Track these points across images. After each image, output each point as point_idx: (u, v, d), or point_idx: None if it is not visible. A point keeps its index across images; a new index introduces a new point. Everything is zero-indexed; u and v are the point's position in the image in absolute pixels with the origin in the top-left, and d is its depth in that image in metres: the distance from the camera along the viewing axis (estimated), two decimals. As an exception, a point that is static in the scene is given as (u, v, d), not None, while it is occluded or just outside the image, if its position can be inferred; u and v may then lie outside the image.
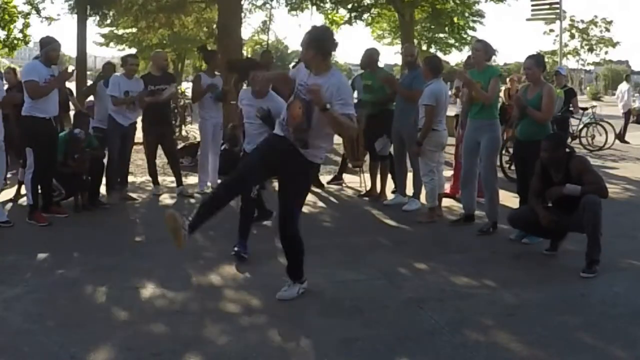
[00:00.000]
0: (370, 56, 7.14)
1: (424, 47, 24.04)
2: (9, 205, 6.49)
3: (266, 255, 4.98)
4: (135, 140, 7.45)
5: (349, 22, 17.00)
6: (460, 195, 6.28)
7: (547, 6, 19.65)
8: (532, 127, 5.33)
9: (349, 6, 16.38)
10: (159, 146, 7.49)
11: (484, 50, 5.71)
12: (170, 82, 7.35)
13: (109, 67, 7.99)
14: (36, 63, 5.77)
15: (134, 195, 7.20)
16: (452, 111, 8.88)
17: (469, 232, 5.71)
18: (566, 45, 40.84)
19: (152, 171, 7.52)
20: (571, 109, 10.36)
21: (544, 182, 4.85)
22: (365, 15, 17.68)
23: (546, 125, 5.38)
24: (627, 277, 4.56)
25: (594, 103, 16.80)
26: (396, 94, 6.82)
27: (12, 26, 14.75)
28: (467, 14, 20.67)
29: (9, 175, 7.04)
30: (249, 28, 33.37)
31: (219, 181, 7.77)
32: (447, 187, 7.22)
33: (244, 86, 5.89)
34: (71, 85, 7.61)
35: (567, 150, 4.87)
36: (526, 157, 5.29)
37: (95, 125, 7.20)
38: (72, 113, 8.05)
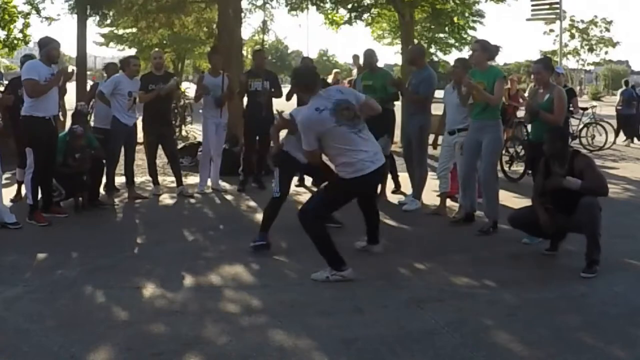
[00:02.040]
0: (370, 57, 7.14)
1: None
2: (9, 205, 6.48)
3: (266, 255, 4.99)
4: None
5: (349, 22, 16.92)
6: (459, 196, 6.27)
7: (547, 6, 19.67)
8: (544, 129, 5.32)
9: (349, 6, 16.30)
10: (160, 146, 7.50)
11: (481, 49, 5.69)
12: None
13: (113, 67, 7.81)
14: (36, 62, 5.77)
15: (144, 194, 7.26)
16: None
17: (469, 232, 5.71)
18: (566, 45, 40.82)
19: (152, 171, 7.53)
20: (571, 109, 10.35)
21: (546, 179, 4.84)
22: (365, 15, 17.58)
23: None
24: (627, 277, 4.56)
25: (594, 103, 16.76)
26: (402, 94, 6.80)
27: (12, 26, 14.70)
28: (467, 14, 20.59)
29: (8, 175, 7.04)
30: (249, 28, 33.49)
31: (220, 182, 7.78)
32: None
33: None
34: (71, 85, 7.58)
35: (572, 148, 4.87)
36: (538, 158, 5.29)
37: (97, 126, 7.20)
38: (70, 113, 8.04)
